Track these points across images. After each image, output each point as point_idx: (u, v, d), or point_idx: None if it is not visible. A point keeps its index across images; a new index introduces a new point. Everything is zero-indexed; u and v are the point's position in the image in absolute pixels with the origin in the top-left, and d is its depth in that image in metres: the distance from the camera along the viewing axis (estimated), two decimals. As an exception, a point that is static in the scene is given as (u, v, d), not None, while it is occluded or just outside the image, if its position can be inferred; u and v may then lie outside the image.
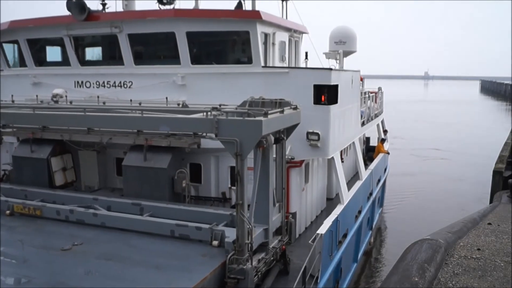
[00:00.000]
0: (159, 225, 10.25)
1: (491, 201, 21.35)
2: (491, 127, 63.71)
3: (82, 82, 14.86)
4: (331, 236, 11.81)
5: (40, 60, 15.85)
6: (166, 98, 13.04)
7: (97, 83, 14.61)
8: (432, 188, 31.03)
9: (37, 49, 15.76)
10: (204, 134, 9.03)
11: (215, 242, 9.56)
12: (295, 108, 10.38)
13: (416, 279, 11.30)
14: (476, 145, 48.13)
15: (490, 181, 22.48)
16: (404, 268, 12.07)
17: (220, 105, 11.10)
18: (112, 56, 14.60)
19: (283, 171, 10.62)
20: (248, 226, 8.79)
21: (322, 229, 11.24)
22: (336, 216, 12.32)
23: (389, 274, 12.54)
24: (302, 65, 17.21)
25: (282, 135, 10.12)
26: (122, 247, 9.70)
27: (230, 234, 9.33)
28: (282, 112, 9.56)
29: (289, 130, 10.41)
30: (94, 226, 10.93)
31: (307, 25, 17.20)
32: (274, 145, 10.12)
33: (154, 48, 14.44)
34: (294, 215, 13.29)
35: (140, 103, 12.47)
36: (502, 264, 12.80)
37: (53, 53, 16.02)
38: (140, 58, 14.06)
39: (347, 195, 13.75)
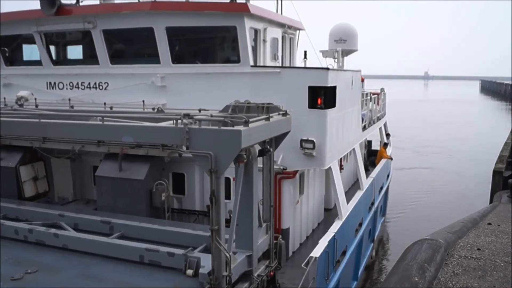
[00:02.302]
0: (127, 249, 8.88)
1: (491, 201, 21.04)
2: (492, 126, 63.70)
3: (54, 83, 13.56)
4: (327, 257, 10.46)
5: (12, 59, 14.53)
6: (143, 101, 11.72)
7: (71, 84, 13.31)
8: (433, 187, 30.89)
9: (10, 47, 14.46)
10: (175, 146, 7.64)
11: (189, 271, 8.15)
12: (285, 114, 8.99)
13: (416, 279, 11.13)
14: (476, 144, 48.13)
15: (490, 179, 22.25)
16: (404, 268, 11.86)
17: (200, 110, 9.82)
18: (86, 55, 13.30)
19: (271, 187, 9.23)
20: (227, 255, 7.41)
21: (317, 251, 9.89)
22: (333, 234, 10.97)
23: (389, 274, 12.34)
24: (301, 65, 15.78)
25: (268, 146, 8.71)
26: (81, 277, 8.32)
27: (208, 261, 7.94)
28: (268, 119, 8.17)
29: (278, 140, 9.01)
30: (56, 248, 9.57)
31: (306, 24, 15.79)
32: (261, 158, 8.76)
33: (131, 46, 13.12)
34: (286, 231, 11.99)
35: (111, 107, 11.17)
36: (502, 264, 12.60)
37: (30, 52, 14.72)
38: (116, 57, 12.74)
39: (345, 209, 12.38)
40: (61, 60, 13.89)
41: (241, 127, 7.10)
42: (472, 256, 13.14)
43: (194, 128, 7.14)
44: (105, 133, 8.01)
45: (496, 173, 21.99)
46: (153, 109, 10.75)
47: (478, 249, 13.66)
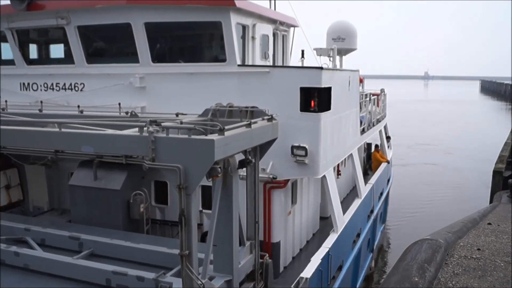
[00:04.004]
0: (93, 271, 7.92)
1: (491, 201, 20.94)
2: (492, 126, 63.37)
3: (28, 84, 12.58)
4: (320, 276, 9.47)
5: None
6: (119, 104, 10.74)
7: (45, 85, 12.34)
8: (433, 185, 30.75)
9: None
10: (140, 157, 6.64)
11: (160, 298, 7.19)
12: (271, 119, 7.99)
13: (416, 279, 11.12)
14: (477, 143, 48.14)
15: (490, 180, 22.17)
16: (404, 268, 11.86)
17: (177, 114, 8.85)
18: (61, 54, 12.34)
19: (256, 200, 8.23)
20: (199, 283, 6.43)
21: (308, 271, 8.90)
22: (327, 249, 9.98)
23: (389, 274, 12.42)
24: (297, 65, 14.70)
25: (250, 157, 7.71)
26: None
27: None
28: (249, 125, 7.17)
29: (263, 148, 8.02)
30: (17, 268, 8.61)
31: (304, 24, 14.75)
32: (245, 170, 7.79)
33: (108, 44, 12.14)
34: (277, 245, 10.98)
35: (82, 111, 10.20)
36: (502, 264, 12.59)
37: (4, 51, 13.76)
38: (93, 56, 11.75)
39: (341, 221, 11.38)
40: (35, 59, 12.93)
41: (214, 136, 6.12)
42: (472, 256, 13.07)
43: (160, 137, 6.16)
44: (62, 142, 7.02)
45: (496, 173, 21.84)
46: (126, 113, 9.77)
47: (478, 249, 13.60)
